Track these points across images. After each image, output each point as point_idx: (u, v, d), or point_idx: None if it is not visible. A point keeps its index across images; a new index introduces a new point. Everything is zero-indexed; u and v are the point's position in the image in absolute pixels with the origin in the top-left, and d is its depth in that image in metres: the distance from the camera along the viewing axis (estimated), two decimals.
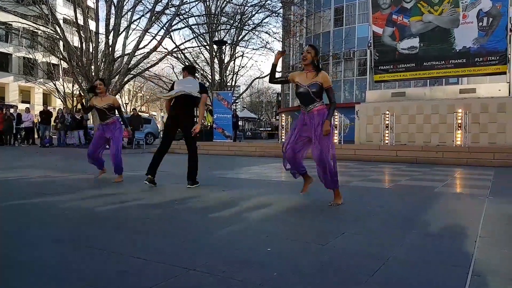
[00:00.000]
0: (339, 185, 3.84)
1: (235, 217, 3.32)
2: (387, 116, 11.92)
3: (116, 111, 5.68)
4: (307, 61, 3.76)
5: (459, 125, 10.83)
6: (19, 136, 17.09)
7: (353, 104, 17.11)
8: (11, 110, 17.75)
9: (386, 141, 11.85)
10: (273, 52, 29.77)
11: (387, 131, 11.89)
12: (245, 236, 2.73)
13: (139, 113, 19.87)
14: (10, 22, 19.32)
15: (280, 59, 4.15)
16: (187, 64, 24.62)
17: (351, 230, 2.88)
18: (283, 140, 12.37)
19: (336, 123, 13.02)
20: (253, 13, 23.77)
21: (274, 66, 4.04)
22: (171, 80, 27.41)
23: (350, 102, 27.93)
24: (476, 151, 9.76)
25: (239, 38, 25.50)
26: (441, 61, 12.83)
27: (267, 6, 22.80)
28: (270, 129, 39.78)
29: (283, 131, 13.56)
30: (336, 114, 13.26)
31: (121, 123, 5.74)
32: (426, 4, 12.83)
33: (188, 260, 2.13)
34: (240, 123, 30.06)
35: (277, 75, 4.77)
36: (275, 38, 25.60)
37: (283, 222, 3.20)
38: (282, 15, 25.50)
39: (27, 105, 21.67)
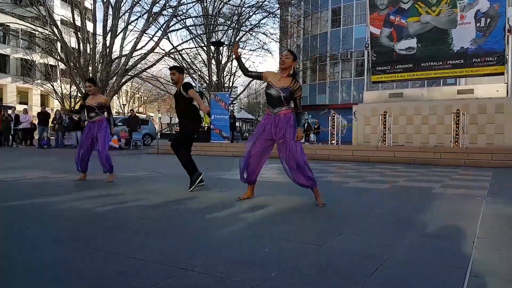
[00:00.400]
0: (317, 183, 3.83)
1: (233, 217, 3.32)
2: (385, 117, 11.94)
3: (106, 111, 5.68)
4: (285, 65, 3.77)
5: (457, 126, 10.86)
6: (17, 137, 17.03)
7: (350, 105, 17.15)
8: (9, 111, 17.70)
9: (384, 142, 11.87)
10: (271, 53, 29.84)
11: (384, 132, 11.91)
12: (243, 237, 2.73)
13: (137, 114, 19.84)
14: (7, 23, 19.30)
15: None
16: (183, 65, 24.66)
17: (349, 230, 2.89)
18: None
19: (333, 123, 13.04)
20: (251, 14, 23.84)
21: (238, 59, 4.10)
22: (169, 81, 27.43)
23: (348, 103, 27.99)
24: (474, 152, 9.79)
25: (237, 39, 25.53)
26: (438, 61, 12.88)
27: (264, 7, 22.86)
28: None
29: None
30: (333, 114, 13.29)
31: (108, 122, 5.70)
32: (423, 4, 12.88)
33: (186, 261, 2.13)
34: (237, 124, 30.08)
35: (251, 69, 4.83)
36: (273, 39, 25.67)
37: (281, 222, 3.20)
38: (279, 16, 25.55)
39: (25, 106, 21.61)
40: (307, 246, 2.47)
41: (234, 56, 4.13)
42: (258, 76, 4.04)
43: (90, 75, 16.93)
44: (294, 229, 2.99)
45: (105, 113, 5.65)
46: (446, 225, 3.15)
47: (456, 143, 10.81)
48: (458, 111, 10.95)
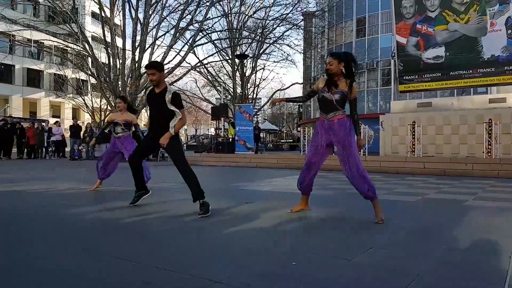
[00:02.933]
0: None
1: (259, 229, 3.30)
2: (413, 127, 11.66)
3: (134, 127, 5.84)
4: (333, 71, 3.59)
5: (489, 135, 10.48)
6: (50, 149, 17.67)
7: (377, 115, 16.86)
8: (43, 124, 18.43)
9: (413, 153, 11.57)
10: (295, 64, 29.87)
11: (413, 142, 11.62)
12: (269, 249, 2.70)
13: None
14: (42, 41, 20.21)
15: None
16: (209, 78, 25.04)
17: (379, 244, 2.81)
18: (305, 151, 12.27)
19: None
20: (274, 26, 24.00)
21: (288, 100, 4.17)
22: (195, 94, 27.93)
23: (374, 113, 27.55)
24: (507, 163, 9.40)
25: (261, 51, 25.73)
26: (468, 70, 12.53)
27: (288, 19, 22.99)
28: (291, 140, 39.62)
29: (305, 143, 13.47)
30: (359, 124, 13.10)
31: (133, 138, 5.87)
32: (451, 12, 12.61)
33: (213, 272, 2.13)
34: (261, 135, 30.11)
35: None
36: (297, 50, 25.74)
37: (307, 235, 3.16)
38: (303, 27, 25.62)
39: (57, 120, 22.45)
40: (335, 260, 2.42)
41: (284, 100, 4.13)
42: (311, 93, 3.88)
43: (120, 89, 17.45)
44: (322, 242, 2.94)
45: (132, 129, 5.84)
46: (480, 239, 3.02)
47: (489, 154, 10.42)
48: (490, 121, 10.57)
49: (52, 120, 22.56)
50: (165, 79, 18.68)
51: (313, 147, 3.80)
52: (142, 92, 17.90)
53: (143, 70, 18.89)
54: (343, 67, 3.61)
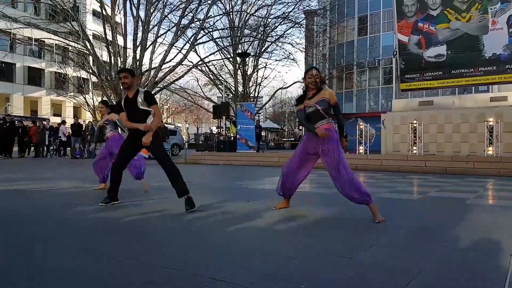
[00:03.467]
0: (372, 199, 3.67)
1: (260, 228, 3.31)
2: (415, 125, 11.66)
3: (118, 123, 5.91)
4: (316, 85, 3.74)
5: (491, 134, 10.47)
6: (51, 148, 17.70)
7: (378, 114, 16.86)
8: (44, 123, 18.47)
9: (414, 151, 11.57)
10: (296, 62, 29.92)
11: (415, 141, 11.62)
12: (271, 248, 2.71)
13: (165, 125, 20.26)
14: (43, 39, 20.22)
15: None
16: (210, 76, 25.04)
17: (380, 243, 2.81)
18: None
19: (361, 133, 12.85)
20: (276, 24, 23.98)
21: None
22: (196, 93, 27.94)
23: (376, 112, 27.56)
24: (509, 161, 9.39)
25: (262, 50, 25.73)
26: (470, 68, 12.51)
27: (290, 18, 22.97)
28: (293, 139, 39.65)
29: None
30: (361, 123, 13.09)
31: (120, 135, 5.93)
32: (453, 11, 12.58)
33: (215, 271, 2.13)
34: (263, 133, 30.15)
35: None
36: (298, 49, 25.68)
37: (308, 234, 3.16)
38: (305, 25, 25.59)
39: (61, 119, 22.46)
40: (337, 258, 2.43)
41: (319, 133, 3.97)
42: (305, 117, 3.89)
43: (121, 87, 17.46)
44: (324, 241, 2.94)
45: (119, 128, 5.87)
46: (480, 238, 3.03)
47: (490, 152, 10.41)
48: (491, 119, 10.56)
49: (53, 119, 22.64)
50: (167, 78, 18.46)
51: (297, 155, 3.90)
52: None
53: (144, 68, 18.92)
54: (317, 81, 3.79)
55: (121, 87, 4.33)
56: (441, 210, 4.42)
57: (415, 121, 11.72)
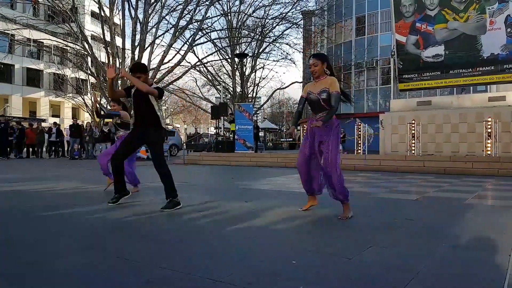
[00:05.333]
0: (349, 197, 3.70)
1: (259, 228, 3.31)
2: (413, 125, 11.68)
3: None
4: (316, 74, 3.69)
5: (489, 134, 10.49)
6: (49, 149, 17.68)
7: (377, 114, 16.88)
8: (43, 124, 18.44)
9: (413, 151, 11.59)
10: (294, 63, 29.91)
11: (413, 141, 11.64)
12: (270, 248, 2.71)
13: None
14: (41, 40, 20.21)
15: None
16: (208, 77, 25.03)
17: (379, 242, 2.82)
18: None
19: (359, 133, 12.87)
20: (274, 25, 24.00)
21: (295, 123, 4.29)
22: (194, 93, 27.93)
23: (374, 112, 27.58)
24: (507, 161, 9.42)
25: (260, 51, 25.75)
26: (468, 68, 12.54)
27: (287, 18, 23.00)
28: (291, 139, 39.63)
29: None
30: (359, 123, 13.10)
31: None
32: (450, 11, 12.61)
33: (214, 271, 2.14)
34: (261, 134, 30.15)
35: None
36: (296, 49, 25.70)
37: (308, 234, 3.17)
38: (302, 26, 25.61)
39: (58, 119, 22.41)
40: (336, 258, 2.43)
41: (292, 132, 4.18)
42: (301, 108, 3.94)
43: (120, 88, 17.45)
44: (323, 240, 2.95)
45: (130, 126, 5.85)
46: (479, 237, 3.04)
47: (489, 152, 10.44)
48: (490, 119, 10.59)
49: (51, 120, 22.57)
50: (165, 78, 18.46)
51: (304, 149, 3.83)
52: None
53: None
54: (326, 68, 3.70)
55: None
56: (439, 210, 4.43)
57: (413, 121, 11.74)
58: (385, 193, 5.75)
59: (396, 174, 9.24)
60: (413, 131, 11.66)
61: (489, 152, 10.43)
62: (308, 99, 3.77)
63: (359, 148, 12.80)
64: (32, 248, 2.64)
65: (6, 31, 18.56)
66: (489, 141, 10.49)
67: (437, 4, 12.86)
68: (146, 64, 18.81)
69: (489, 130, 10.49)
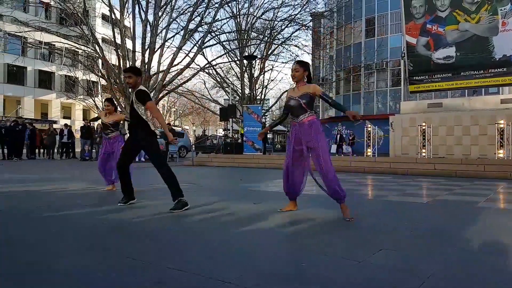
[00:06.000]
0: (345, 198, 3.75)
1: (268, 230, 3.30)
2: (424, 127, 11.56)
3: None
4: (296, 79, 3.84)
5: (501, 136, 10.34)
6: (61, 150, 17.88)
7: (387, 116, 16.77)
8: (54, 126, 18.67)
9: (423, 154, 11.47)
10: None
11: (424, 143, 11.52)
12: (279, 250, 2.70)
13: (173, 127, 20.37)
14: (53, 43, 20.48)
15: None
16: (217, 79, 25.11)
17: (389, 246, 2.78)
18: None
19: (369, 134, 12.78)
20: (283, 27, 23.97)
21: (271, 126, 4.70)
22: (203, 95, 28.03)
23: (384, 114, 27.38)
24: None
25: (269, 52, 25.74)
26: (479, 70, 12.39)
27: (296, 20, 22.96)
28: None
29: None
30: (369, 126, 13.02)
31: (122, 138, 6.13)
32: (462, 12, 12.48)
33: (223, 272, 2.13)
34: (269, 135, 30.13)
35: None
36: (305, 51, 25.64)
37: (316, 236, 3.15)
38: (311, 28, 25.54)
39: (68, 120, 22.65)
40: (345, 261, 2.41)
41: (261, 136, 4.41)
42: (284, 114, 4.15)
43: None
44: (332, 243, 2.92)
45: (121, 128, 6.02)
46: (492, 241, 2.99)
47: (501, 155, 10.28)
48: (502, 121, 10.44)
49: (62, 121, 22.85)
50: (174, 81, 18.62)
51: (288, 153, 3.92)
52: (152, 93, 18.02)
53: (152, 71, 19.04)
54: (306, 75, 3.87)
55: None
56: (451, 213, 4.37)
57: (424, 123, 11.63)
58: (395, 196, 5.69)
59: (407, 177, 9.14)
60: (423, 134, 11.54)
61: (501, 155, 10.27)
62: (288, 104, 3.90)
63: (369, 150, 12.70)
64: (40, 249, 2.66)
65: (18, 34, 18.86)
66: (501, 144, 10.33)
67: (448, 5, 12.74)
68: (156, 66, 18.95)
69: (502, 133, 10.33)
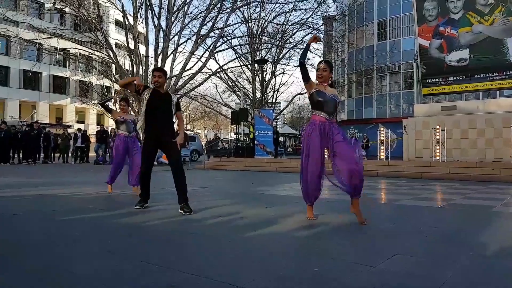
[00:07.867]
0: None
1: (279, 234, 3.29)
2: (438, 130, 11.42)
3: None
4: (323, 79, 3.77)
5: None
6: (75, 154, 18.15)
7: (400, 119, 16.61)
8: (69, 130, 18.97)
9: (437, 157, 11.32)
10: (314, 68, 29.80)
11: (438, 147, 11.37)
12: (291, 254, 2.70)
13: (185, 131, 20.52)
14: (68, 48, 20.84)
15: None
16: (229, 83, 25.22)
17: (403, 251, 2.76)
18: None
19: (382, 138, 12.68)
20: (294, 31, 23.97)
21: (308, 46, 4.08)
22: (215, 99, 28.18)
23: (397, 117, 27.12)
24: None
25: (280, 56, 25.75)
26: (494, 72, 12.21)
27: (308, 24, 22.94)
28: None
29: None
30: (382, 129, 12.91)
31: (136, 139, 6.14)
32: (475, 14, 12.33)
33: (236, 276, 2.14)
34: (281, 139, 30.07)
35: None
36: (316, 54, 25.58)
37: (329, 241, 3.13)
38: (323, 31, 25.49)
39: (85, 125, 22.96)
40: (358, 266, 2.39)
41: (308, 44, 4.08)
42: (307, 75, 3.84)
43: (153, 85, 17.77)
44: (344, 248, 2.91)
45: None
46: (508, 246, 2.93)
47: None
48: None
49: (76, 126, 23.19)
50: (187, 85, 18.69)
51: (315, 156, 3.74)
52: None
53: None
54: (331, 78, 3.82)
55: (153, 85, 4.44)
56: (466, 217, 4.30)
57: (437, 127, 11.48)
58: (409, 200, 5.63)
59: (421, 181, 9.04)
60: (437, 137, 11.39)
61: None
62: (321, 98, 3.71)
63: (382, 153, 12.59)
64: (54, 252, 2.70)
65: (34, 40, 19.24)
66: None
67: (461, 7, 12.61)
68: (168, 71, 19.11)
69: None
